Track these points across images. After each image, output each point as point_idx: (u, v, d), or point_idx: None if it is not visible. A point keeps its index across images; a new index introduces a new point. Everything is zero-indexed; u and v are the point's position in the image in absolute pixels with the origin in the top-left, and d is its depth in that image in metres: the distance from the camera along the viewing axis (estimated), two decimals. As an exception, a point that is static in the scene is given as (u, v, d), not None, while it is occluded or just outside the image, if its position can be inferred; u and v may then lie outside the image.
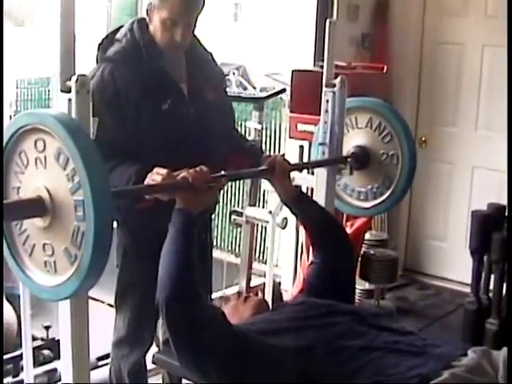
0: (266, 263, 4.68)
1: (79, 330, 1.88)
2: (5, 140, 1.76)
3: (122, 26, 2.72)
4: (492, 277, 3.29)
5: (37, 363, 3.21)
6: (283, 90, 4.17)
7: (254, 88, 6.88)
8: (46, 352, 3.37)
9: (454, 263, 4.89)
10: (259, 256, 5.04)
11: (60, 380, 2.71)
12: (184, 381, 2.50)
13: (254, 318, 2.22)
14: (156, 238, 2.01)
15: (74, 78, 1.77)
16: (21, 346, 2.86)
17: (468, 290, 3.42)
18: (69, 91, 1.78)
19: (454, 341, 2.74)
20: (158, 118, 2.59)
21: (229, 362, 1.93)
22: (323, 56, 4.40)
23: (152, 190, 2.05)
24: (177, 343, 1.92)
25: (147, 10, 2.63)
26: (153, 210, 2.12)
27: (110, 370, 2.91)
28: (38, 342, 3.40)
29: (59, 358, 2.18)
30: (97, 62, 2.65)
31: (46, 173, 1.71)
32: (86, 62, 2.55)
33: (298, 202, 2.46)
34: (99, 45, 2.67)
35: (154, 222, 1.97)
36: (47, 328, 3.41)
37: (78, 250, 1.66)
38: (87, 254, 1.64)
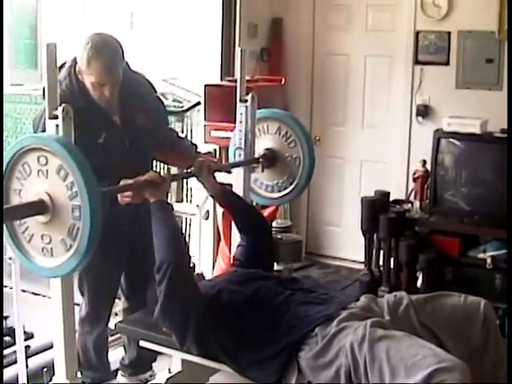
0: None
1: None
2: (9, 156, 2.16)
3: (64, 64, 3.00)
4: (381, 252, 3.53)
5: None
6: (198, 103, 4.61)
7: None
8: (6, 338, 3.71)
9: (348, 245, 5.46)
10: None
11: (15, 362, 3.20)
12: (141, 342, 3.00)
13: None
14: (109, 234, 2.34)
15: (60, 108, 2.22)
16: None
17: (361, 266, 3.63)
18: (55, 118, 2.23)
19: (349, 292, 3.23)
20: (96, 150, 2.89)
21: (202, 314, 2.51)
22: (228, 70, 4.92)
23: (131, 188, 2.53)
24: (169, 301, 2.46)
25: (78, 70, 2.95)
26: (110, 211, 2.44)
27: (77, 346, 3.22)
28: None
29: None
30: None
31: (47, 181, 2.14)
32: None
33: (223, 194, 3.01)
34: None
35: (109, 222, 2.25)
36: (5, 318, 3.77)
37: (74, 241, 2.14)
38: (83, 244, 2.11)
